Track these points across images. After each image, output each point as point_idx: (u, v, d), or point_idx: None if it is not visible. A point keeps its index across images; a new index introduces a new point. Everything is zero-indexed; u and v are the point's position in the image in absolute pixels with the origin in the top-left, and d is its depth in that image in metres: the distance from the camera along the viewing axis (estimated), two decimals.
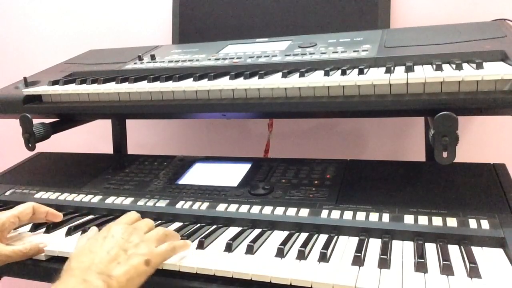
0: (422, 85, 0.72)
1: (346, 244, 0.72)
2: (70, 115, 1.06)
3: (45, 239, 0.81)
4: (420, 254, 0.65)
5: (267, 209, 0.83)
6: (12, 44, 1.71)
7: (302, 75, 0.81)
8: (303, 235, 0.76)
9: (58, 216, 0.87)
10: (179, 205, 0.89)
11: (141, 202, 0.92)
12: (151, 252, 0.65)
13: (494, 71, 0.69)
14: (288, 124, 1.41)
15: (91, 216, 0.91)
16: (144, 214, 0.88)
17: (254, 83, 0.81)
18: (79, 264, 0.61)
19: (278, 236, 0.77)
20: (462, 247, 0.68)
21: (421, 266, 0.62)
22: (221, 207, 0.86)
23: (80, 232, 0.82)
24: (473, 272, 0.60)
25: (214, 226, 0.82)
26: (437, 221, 0.73)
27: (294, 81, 0.79)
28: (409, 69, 0.75)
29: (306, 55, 0.96)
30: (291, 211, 0.81)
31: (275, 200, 0.86)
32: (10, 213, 0.80)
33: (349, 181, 0.91)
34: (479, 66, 0.72)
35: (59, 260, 0.77)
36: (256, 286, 0.65)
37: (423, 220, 0.74)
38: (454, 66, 0.74)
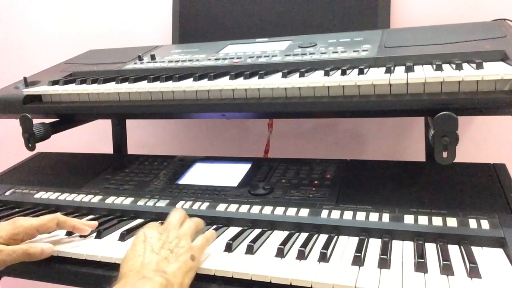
0: (422, 85, 0.72)
1: (346, 244, 0.72)
2: (70, 115, 1.06)
3: (45, 239, 0.81)
4: (420, 254, 0.65)
5: (267, 209, 0.83)
6: (12, 44, 1.71)
7: (302, 75, 0.81)
8: (303, 235, 0.76)
9: (85, 230, 0.80)
10: (179, 205, 0.89)
11: (141, 202, 0.92)
12: (192, 248, 0.67)
13: (494, 71, 0.69)
14: (288, 124, 1.41)
15: (91, 216, 0.91)
16: (144, 214, 0.89)
17: (254, 83, 0.81)
18: (131, 267, 0.63)
19: (278, 236, 0.77)
20: (462, 247, 0.68)
21: (421, 266, 0.62)
22: (221, 207, 0.86)
23: None
24: (473, 272, 0.60)
25: (214, 226, 0.82)
26: (437, 221, 0.73)
27: (294, 81, 0.79)
28: (409, 69, 0.75)
29: (306, 55, 0.96)
30: (291, 211, 0.81)
31: (275, 200, 0.86)
32: (29, 223, 0.76)
33: (349, 181, 0.91)
34: (479, 66, 0.72)
35: (59, 260, 0.77)
36: (256, 286, 0.65)
37: (423, 220, 0.74)
38: (454, 66, 0.74)
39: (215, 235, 0.75)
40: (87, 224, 0.82)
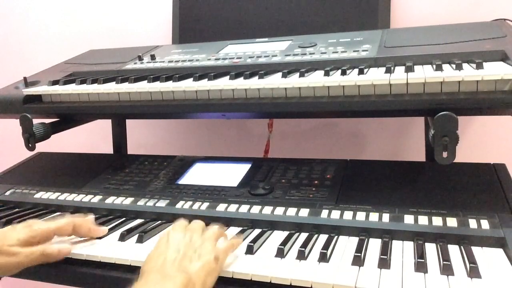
0: (422, 85, 0.72)
1: (346, 244, 0.72)
2: (70, 115, 1.06)
3: None
4: (420, 254, 0.65)
5: (267, 209, 0.83)
6: (12, 44, 1.71)
7: (302, 75, 0.81)
8: (303, 235, 0.76)
9: (101, 232, 0.81)
10: (179, 205, 0.89)
11: (141, 202, 0.92)
12: (216, 249, 0.66)
13: (494, 71, 0.69)
14: (288, 124, 1.41)
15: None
16: (144, 214, 0.89)
17: (254, 83, 0.81)
18: (153, 266, 0.63)
19: (278, 236, 0.77)
20: (462, 247, 0.68)
21: (421, 266, 0.62)
22: (221, 207, 0.86)
23: None
24: (473, 272, 0.60)
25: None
26: (437, 221, 0.73)
27: (294, 81, 0.79)
28: (409, 69, 0.75)
29: (306, 55, 0.96)
30: (291, 211, 0.81)
31: (275, 200, 0.86)
32: (46, 226, 0.75)
33: (349, 181, 0.91)
34: (479, 66, 0.72)
35: (60, 261, 0.76)
36: (256, 286, 0.65)
37: (423, 220, 0.74)
38: (454, 66, 0.74)
39: (241, 241, 0.73)
40: (99, 229, 0.81)
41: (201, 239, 0.68)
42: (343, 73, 0.79)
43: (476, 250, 0.67)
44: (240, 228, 0.80)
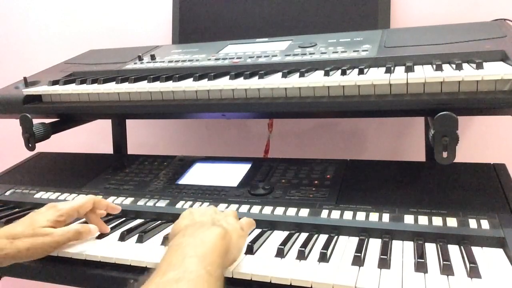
0: (422, 85, 0.72)
1: (346, 244, 0.72)
2: (70, 115, 1.06)
3: None
4: (420, 254, 0.65)
5: (267, 209, 0.83)
6: (12, 44, 1.71)
7: (302, 75, 0.81)
8: (303, 235, 0.76)
9: (118, 209, 0.86)
10: (179, 205, 0.89)
11: (141, 202, 0.92)
12: (239, 222, 0.69)
13: (494, 71, 0.69)
14: (288, 124, 1.41)
15: None
16: (144, 214, 0.89)
17: (254, 83, 0.81)
18: (186, 224, 0.65)
19: (278, 236, 0.77)
20: (462, 247, 0.68)
21: (421, 266, 0.62)
22: (221, 207, 0.86)
23: None
24: (473, 272, 0.60)
25: None
26: (437, 221, 0.73)
27: (294, 81, 0.79)
28: (409, 69, 0.75)
29: (306, 55, 0.96)
30: (291, 211, 0.81)
31: (275, 200, 0.86)
32: (70, 205, 0.79)
33: (349, 181, 0.91)
34: (479, 66, 0.72)
35: (59, 261, 0.77)
36: (256, 286, 0.65)
37: (423, 220, 0.74)
38: (454, 66, 0.74)
39: (255, 224, 0.76)
40: (115, 206, 0.86)
41: (223, 214, 0.71)
42: (343, 73, 0.79)
43: (476, 250, 0.67)
44: None
